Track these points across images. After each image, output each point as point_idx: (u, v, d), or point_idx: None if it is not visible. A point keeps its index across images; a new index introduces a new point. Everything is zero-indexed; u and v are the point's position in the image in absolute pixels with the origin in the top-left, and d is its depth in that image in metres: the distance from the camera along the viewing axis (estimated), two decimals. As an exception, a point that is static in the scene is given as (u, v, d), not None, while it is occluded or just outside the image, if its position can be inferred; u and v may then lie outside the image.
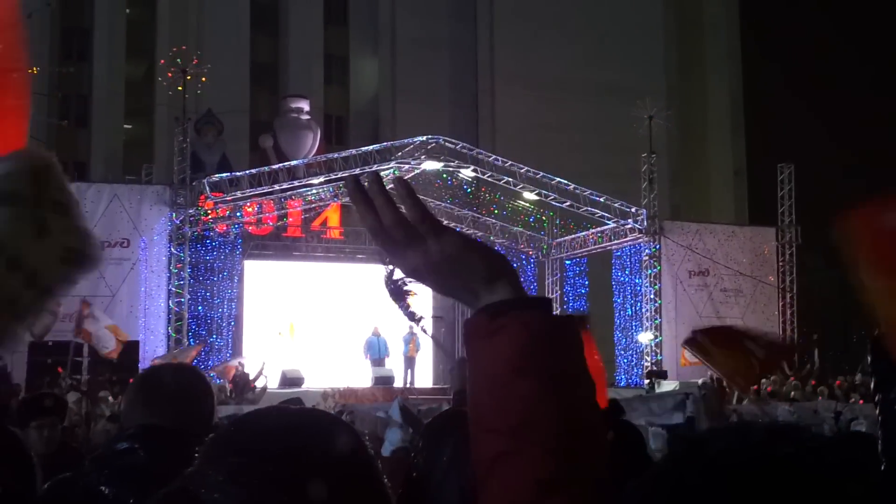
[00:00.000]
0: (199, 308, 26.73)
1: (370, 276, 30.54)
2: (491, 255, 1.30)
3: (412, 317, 1.39)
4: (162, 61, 28.45)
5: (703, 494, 0.96)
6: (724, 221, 34.15)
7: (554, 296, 31.76)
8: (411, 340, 27.10)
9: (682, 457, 1.05)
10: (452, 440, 2.37)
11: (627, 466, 1.80)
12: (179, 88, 26.18)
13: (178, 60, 26.76)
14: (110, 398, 19.69)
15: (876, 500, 0.98)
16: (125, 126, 38.35)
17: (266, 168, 26.57)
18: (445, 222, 1.31)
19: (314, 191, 27.69)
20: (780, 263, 29.57)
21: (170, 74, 26.85)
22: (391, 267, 1.34)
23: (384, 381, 24.22)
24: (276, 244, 30.02)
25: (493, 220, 30.81)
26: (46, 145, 29.12)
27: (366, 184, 1.24)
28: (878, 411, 1.97)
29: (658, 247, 28.06)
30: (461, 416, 2.51)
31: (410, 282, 1.35)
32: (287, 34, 39.66)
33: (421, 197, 1.34)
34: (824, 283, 53.79)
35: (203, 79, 27.10)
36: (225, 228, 27.19)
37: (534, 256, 32.04)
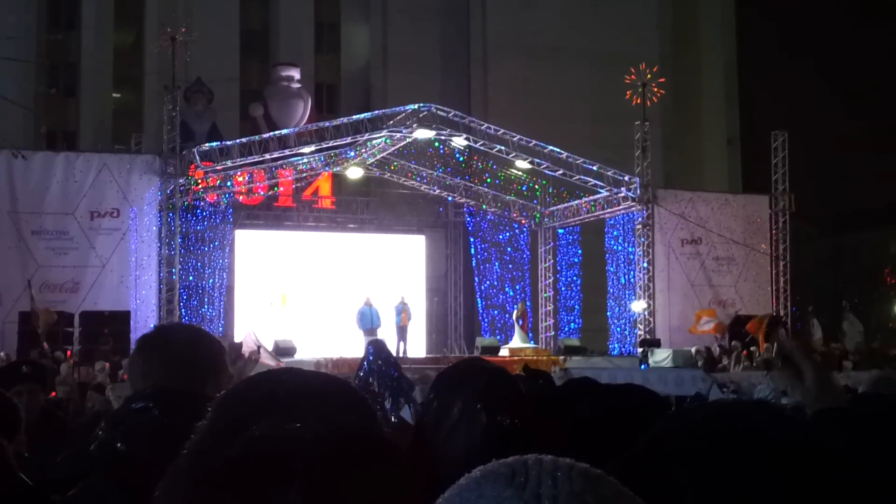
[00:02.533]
0: (191, 278, 26.67)
1: (362, 245, 30.57)
2: None
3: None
4: (157, 32, 28.15)
5: (679, 457, 1.03)
6: (718, 190, 34.12)
7: (547, 265, 31.76)
8: (403, 310, 27.08)
9: (668, 425, 1.13)
10: (465, 391, 2.34)
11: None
12: (170, 51, 25.89)
13: (167, 28, 26.48)
14: (106, 367, 19.62)
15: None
16: (114, 95, 38.09)
17: (256, 137, 26.40)
18: None
19: (305, 160, 27.56)
20: (774, 231, 29.56)
21: (164, 44, 26.53)
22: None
23: (377, 351, 24.13)
24: (268, 214, 29.95)
25: (486, 189, 30.73)
26: (35, 114, 29.08)
27: None
28: None
29: (647, 214, 27.99)
30: (475, 368, 2.45)
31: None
32: (277, 1, 39.35)
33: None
34: (817, 251, 54.01)
35: (192, 47, 26.82)
36: (215, 198, 27.07)
37: (526, 225, 31.99)
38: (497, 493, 0.82)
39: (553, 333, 31.33)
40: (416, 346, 28.90)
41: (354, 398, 1.38)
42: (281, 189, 29.18)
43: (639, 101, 28.55)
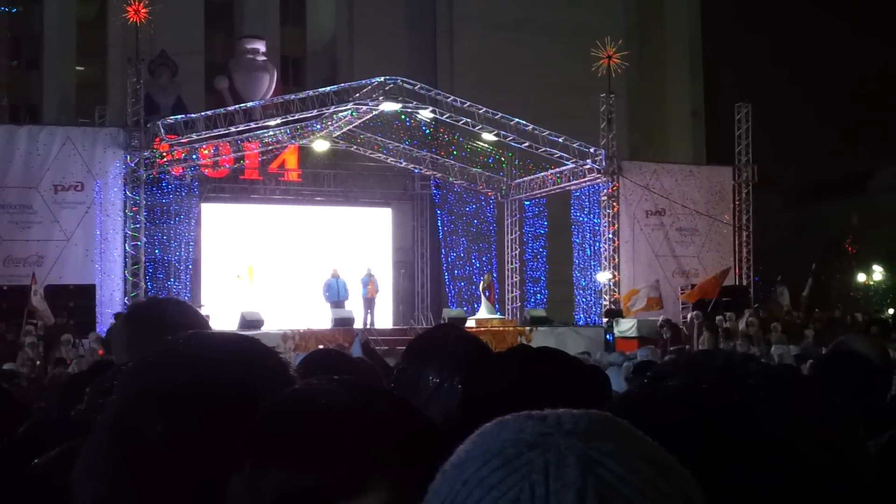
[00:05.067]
0: (156, 251, 26.56)
1: (328, 218, 30.54)
2: None
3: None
4: (115, 1, 27.82)
5: (653, 429, 1.00)
6: (682, 161, 34.31)
7: (513, 236, 31.88)
8: (370, 282, 27.13)
9: (644, 389, 1.13)
10: (439, 361, 2.33)
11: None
12: (134, 24, 25.57)
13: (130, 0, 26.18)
14: (71, 342, 19.57)
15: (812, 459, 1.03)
16: (77, 68, 37.65)
17: (222, 110, 26.24)
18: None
19: (271, 133, 27.45)
20: (737, 202, 29.80)
21: (124, 16, 26.22)
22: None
23: (344, 323, 24.26)
24: (234, 187, 29.84)
25: (452, 162, 30.75)
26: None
27: None
28: None
29: (612, 185, 28.13)
30: (450, 336, 2.45)
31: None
32: (241, -27, 38.98)
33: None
34: (780, 222, 54.49)
35: (156, 19, 26.54)
36: (181, 171, 26.92)
37: (493, 197, 32.06)
38: (518, 425, 0.85)
39: (519, 304, 31.47)
40: (383, 318, 28.97)
41: (267, 351, 1.39)
42: (247, 162, 29.05)
43: (604, 74, 28.65)
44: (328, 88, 26.35)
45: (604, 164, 27.72)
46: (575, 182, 28.91)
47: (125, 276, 24.64)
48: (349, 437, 1.09)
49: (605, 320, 26.89)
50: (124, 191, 24.84)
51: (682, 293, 27.11)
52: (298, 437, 1.09)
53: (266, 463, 1.09)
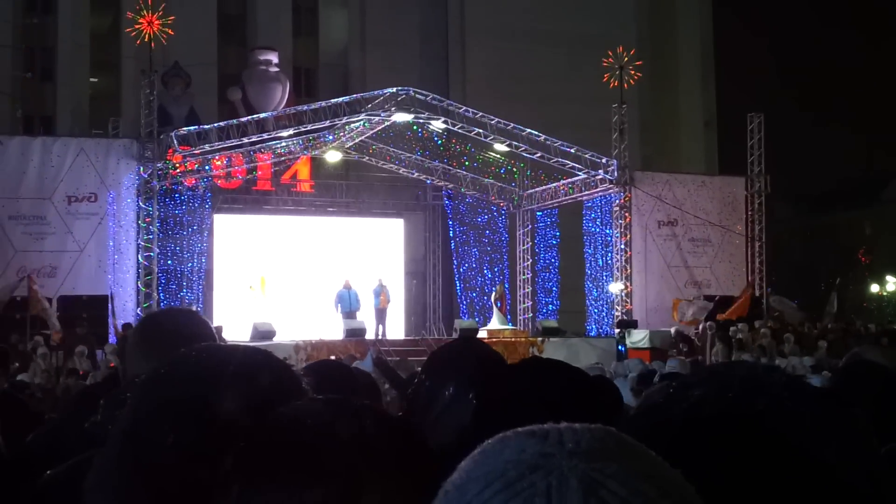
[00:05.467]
0: (169, 262, 26.62)
1: (341, 229, 30.58)
2: None
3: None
4: (129, 14, 27.95)
5: (678, 439, 1.04)
6: (694, 171, 34.24)
7: (525, 247, 31.87)
8: (382, 293, 27.13)
9: (669, 399, 1.13)
10: (458, 376, 2.32)
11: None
12: (147, 36, 25.69)
13: (144, 12, 26.30)
14: (86, 354, 19.63)
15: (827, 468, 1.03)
16: (91, 79, 37.82)
17: (235, 121, 26.31)
18: None
19: (284, 144, 27.52)
20: (749, 213, 29.71)
21: (137, 26, 26.33)
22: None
23: (356, 334, 24.27)
24: (246, 198, 29.90)
25: (464, 172, 30.76)
26: (12, 98, 28.72)
27: None
28: None
29: (624, 196, 28.10)
30: (470, 350, 2.46)
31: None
32: (254, -16, 39.13)
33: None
34: (793, 232, 54.36)
35: (169, 31, 26.65)
36: (194, 182, 27.00)
37: (505, 208, 32.06)
38: (520, 444, 0.85)
39: (531, 315, 31.43)
40: (395, 329, 28.97)
41: (280, 365, 1.40)
42: (259, 173, 29.13)
43: (616, 84, 28.65)
44: (340, 99, 26.39)
45: (616, 174, 27.69)
46: (587, 192, 28.88)
47: (138, 286, 24.72)
48: (336, 457, 1.10)
49: (617, 331, 26.83)
50: (137, 202, 24.93)
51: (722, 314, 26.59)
52: (285, 459, 1.10)
53: (255, 486, 1.09)
